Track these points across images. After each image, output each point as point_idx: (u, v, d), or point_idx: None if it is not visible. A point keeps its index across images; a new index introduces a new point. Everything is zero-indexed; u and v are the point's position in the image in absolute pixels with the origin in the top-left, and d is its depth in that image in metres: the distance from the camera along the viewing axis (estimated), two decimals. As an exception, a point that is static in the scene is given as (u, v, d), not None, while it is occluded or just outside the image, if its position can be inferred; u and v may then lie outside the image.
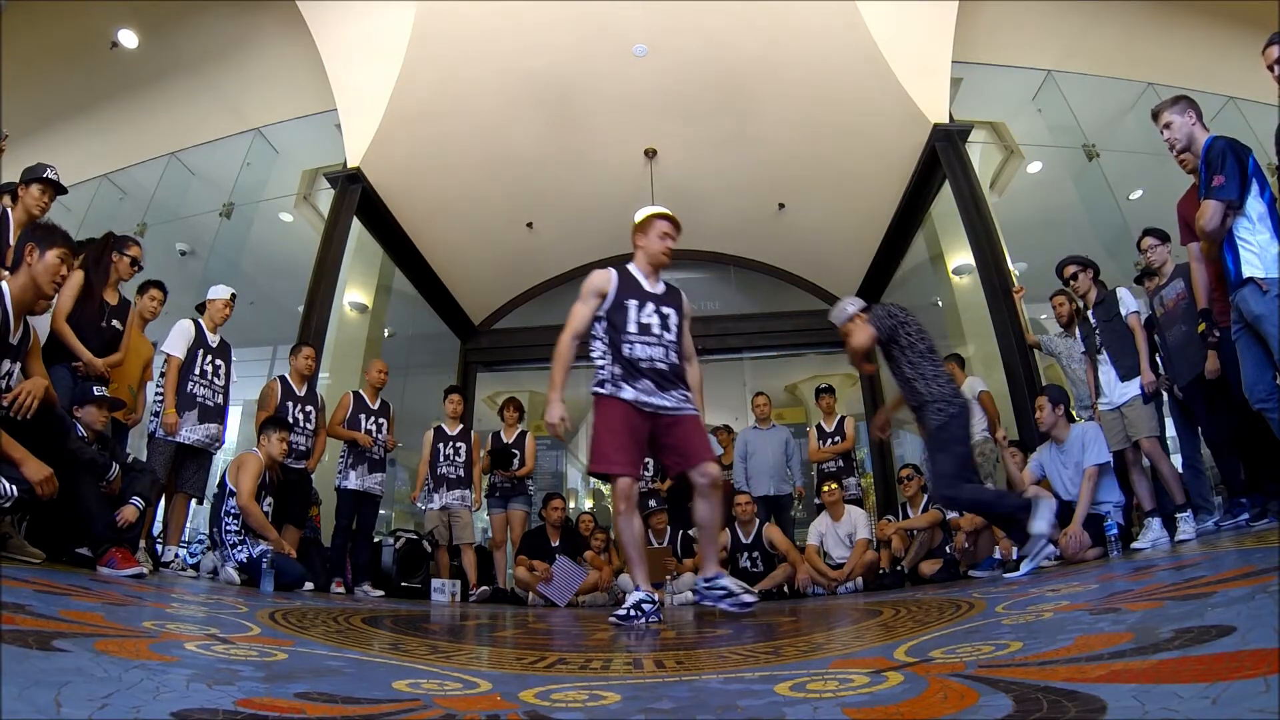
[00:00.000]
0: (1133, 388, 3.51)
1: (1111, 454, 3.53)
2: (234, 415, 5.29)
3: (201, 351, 4.00)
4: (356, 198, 6.01)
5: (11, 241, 3.03)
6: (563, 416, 2.61)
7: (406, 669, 1.18)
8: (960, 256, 5.94)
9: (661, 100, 6.08)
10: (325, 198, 6.41)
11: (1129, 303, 3.64)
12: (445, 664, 1.30)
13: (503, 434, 5.50)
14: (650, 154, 6.61)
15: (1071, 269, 3.90)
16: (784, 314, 8.18)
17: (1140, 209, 5.74)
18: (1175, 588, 1.57)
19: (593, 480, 8.85)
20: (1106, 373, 3.66)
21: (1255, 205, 2.55)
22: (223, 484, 3.87)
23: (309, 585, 3.89)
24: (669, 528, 5.21)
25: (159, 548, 3.83)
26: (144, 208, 6.99)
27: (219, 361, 4.09)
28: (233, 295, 4.22)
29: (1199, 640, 0.84)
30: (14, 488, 2.20)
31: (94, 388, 3.18)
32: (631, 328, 2.66)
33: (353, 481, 4.64)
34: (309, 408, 4.49)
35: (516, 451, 5.37)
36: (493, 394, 8.70)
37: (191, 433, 3.87)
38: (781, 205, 7.23)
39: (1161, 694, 0.65)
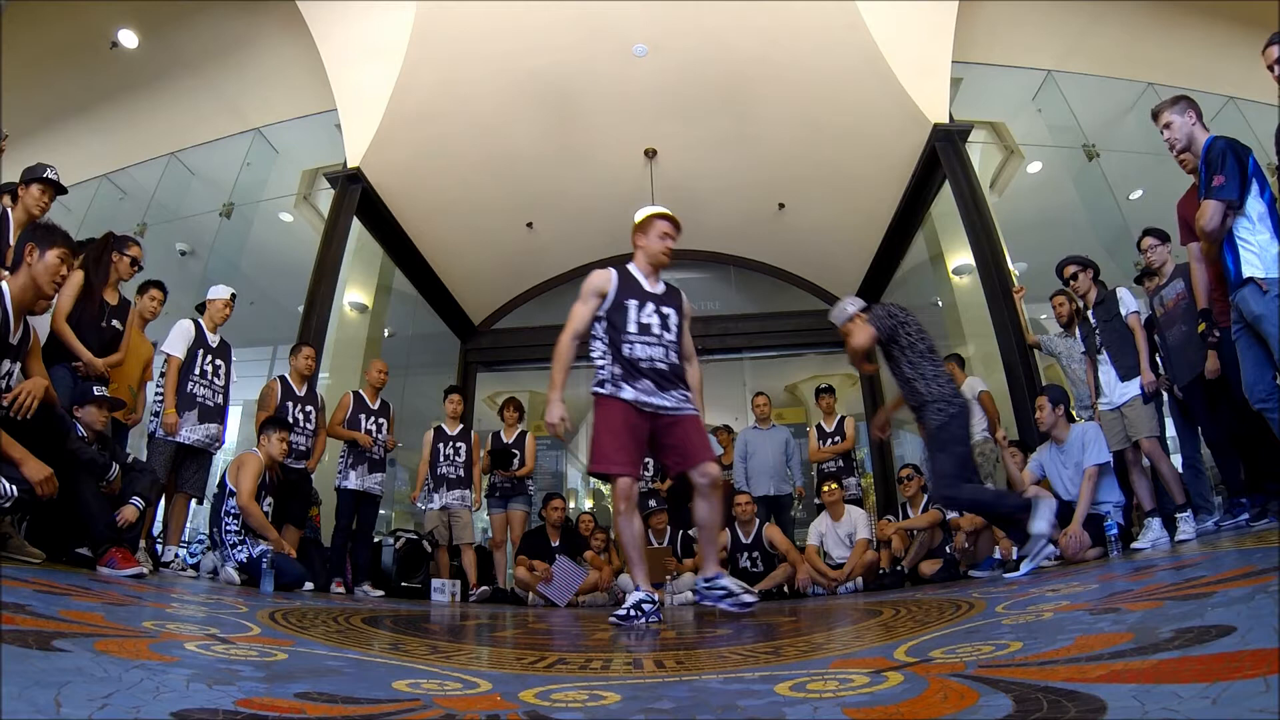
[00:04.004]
0: (1133, 388, 3.50)
1: (1111, 454, 3.52)
2: (234, 415, 5.29)
3: (201, 351, 4.00)
4: (356, 198, 6.01)
5: (11, 241, 3.02)
6: (563, 416, 2.61)
7: (406, 669, 1.18)
8: (960, 256, 5.93)
9: (661, 100, 6.08)
10: (325, 198, 6.40)
11: (1129, 303, 3.64)
12: (445, 664, 1.30)
13: (503, 434, 5.50)
14: (650, 154, 6.61)
15: (1071, 269, 3.90)
16: (784, 314, 8.18)
17: (1140, 209, 5.74)
18: (1175, 588, 1.57)
19: (593, 480, 8.85)
20: (1106, 373, 3.66)
21: (1255, 205, 2.55)
22: (223, 484, 3.87)
23: (309, 585, 3.89)
24: (669, 528, 5.21)
25: (159, 548, 3.83)
26: (144, 208, 6.99)
27: (219, 361, 4.09)
28: (233, 295, 4.22)
29: (1199, 640, 0.84)
30: (14, 488, 2.20)
31: (94, 388, 3.17)
32: (631, 328, 2.66)
33: (353, 481, 4.64)
34: (309, 408, 4.49)
35: (516, 451, 5.37)
36: (493, 394, 8.70)
37: (191, 433, 3.87)
38: (781, 205, 7.23)
39: (1161, 694, 0.65)
